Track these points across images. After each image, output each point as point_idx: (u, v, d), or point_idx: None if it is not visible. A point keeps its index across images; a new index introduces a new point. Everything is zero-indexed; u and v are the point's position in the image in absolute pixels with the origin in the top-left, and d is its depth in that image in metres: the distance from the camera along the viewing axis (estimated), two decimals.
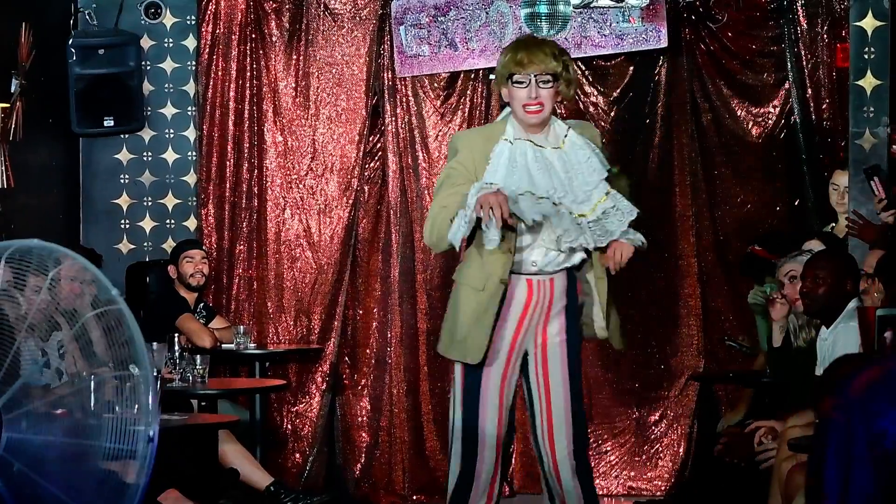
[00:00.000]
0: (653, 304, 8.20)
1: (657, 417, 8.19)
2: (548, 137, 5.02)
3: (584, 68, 8.19)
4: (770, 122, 8.10)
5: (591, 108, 8.21)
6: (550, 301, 5.03)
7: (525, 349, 5.04)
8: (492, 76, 5.25)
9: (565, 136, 5.05)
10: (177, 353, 6.42)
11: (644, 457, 8.18)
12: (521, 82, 4.95)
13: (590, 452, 5.31)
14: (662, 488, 8.08)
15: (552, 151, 4.99)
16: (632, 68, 8.20)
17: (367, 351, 8.32)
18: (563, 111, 8.17)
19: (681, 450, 8.12)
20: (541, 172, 4.93)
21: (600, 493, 8.13)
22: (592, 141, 5.07)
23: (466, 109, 8.24)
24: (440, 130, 8.21)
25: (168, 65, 8.37)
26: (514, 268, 4.97)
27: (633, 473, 8.18)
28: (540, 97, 4.94)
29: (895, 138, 6.84)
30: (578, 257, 5.04)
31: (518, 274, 4.99)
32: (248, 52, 8.29)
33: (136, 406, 3.40)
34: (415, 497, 8.16)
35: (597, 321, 5.13)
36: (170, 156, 8.41)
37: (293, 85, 8.30)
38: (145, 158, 8.41)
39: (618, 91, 8.22)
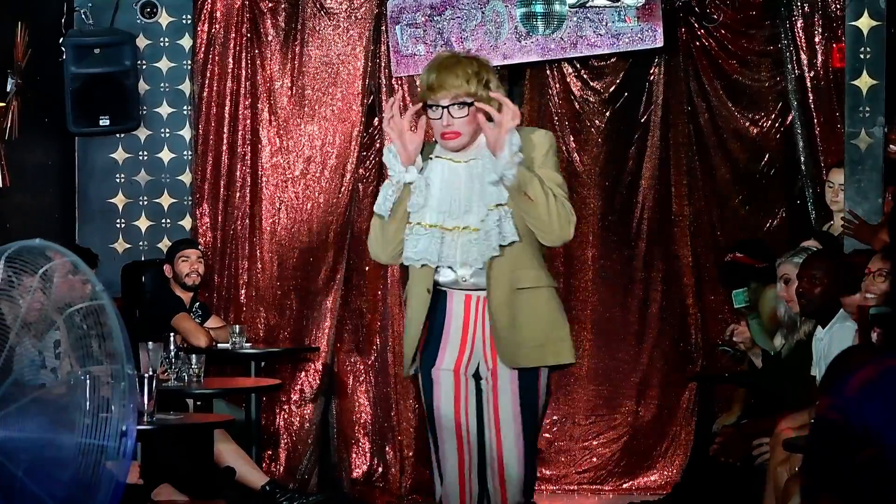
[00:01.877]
0: (650, 304, 8.20)
1: (654, 417, 8.18)
2: (468, 150, 4.53)
3: (579, 68, 8.20)
4: (767, 121, 8.10)
5: (587, 108, 8.21)
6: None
7: (477, 370, 4.61)
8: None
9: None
10: (172, 353, 6.40)
11: (640, 457, 8.18)
12: (434, 109, 4.46)
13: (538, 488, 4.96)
14: (658, 488, 8.08)
15: (465, 165, 4.52)
16: (627, 68, 8.20)
17: (363, 350, 8.32)
18: (559, 111, 8.18)
19: (677, 450, 8.11)
20: (445, 190, 4.51)
21: (598, 492, 8.17)
22: (535, 148, 4.50)
23: None
24: None
25: (164, 64, 8.37)
26: (449, 283, 4.57)
27: (629, 473, 8.17)
28: (453, 126, 4.45)
29: (892, 138, 6.83)
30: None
31: (454, 289, 4.59)
32: (244, 52, 8.29)
33: (116, 401, 3.40)
34: (410, 497, 8.16)
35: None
36: (165, 155, 8.40)
37: (289, 84, 8.30)
38: (141, 158, 8.41)
39: (613, 90, 8.22)
